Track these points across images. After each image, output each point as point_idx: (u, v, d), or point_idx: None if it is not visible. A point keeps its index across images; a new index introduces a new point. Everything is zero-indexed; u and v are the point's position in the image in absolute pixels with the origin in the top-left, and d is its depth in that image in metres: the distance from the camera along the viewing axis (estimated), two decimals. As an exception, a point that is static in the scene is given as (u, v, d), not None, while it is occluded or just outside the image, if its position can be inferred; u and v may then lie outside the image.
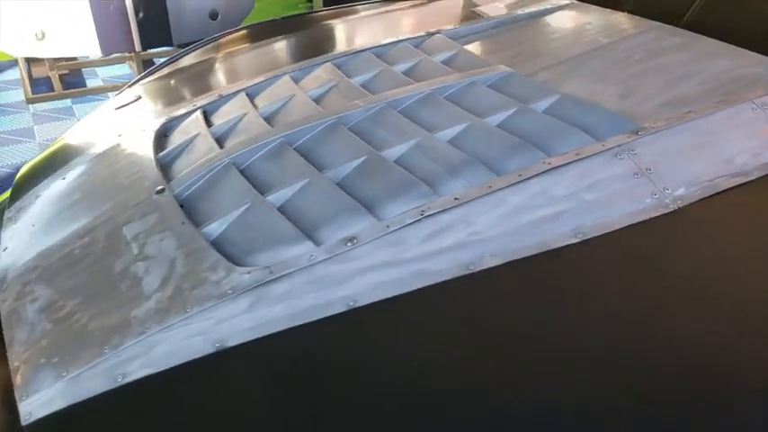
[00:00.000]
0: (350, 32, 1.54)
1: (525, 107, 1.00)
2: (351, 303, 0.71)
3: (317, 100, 1.08)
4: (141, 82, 1.56)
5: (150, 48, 3.82)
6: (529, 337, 0.68)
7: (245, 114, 1.05)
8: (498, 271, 0.74)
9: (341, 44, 1.41)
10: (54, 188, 1.03)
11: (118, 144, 1.08)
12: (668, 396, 0.62)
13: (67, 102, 3.60)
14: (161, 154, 1.00)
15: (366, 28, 1.57)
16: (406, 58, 1.21)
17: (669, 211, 0.82)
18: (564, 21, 1.42)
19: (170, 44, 3.88)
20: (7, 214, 1.00)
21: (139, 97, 1.37)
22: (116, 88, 3.74)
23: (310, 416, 0.62)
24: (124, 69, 4.14)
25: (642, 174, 0.86)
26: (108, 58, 4.16)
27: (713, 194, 0.85)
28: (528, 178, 0.83)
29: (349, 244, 0.75)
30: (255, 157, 0.93)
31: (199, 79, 1.39)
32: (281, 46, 1.48)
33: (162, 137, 1.07)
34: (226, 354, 0.67)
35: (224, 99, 1.15)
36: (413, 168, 0.87)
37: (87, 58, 4.17)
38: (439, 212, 0.78)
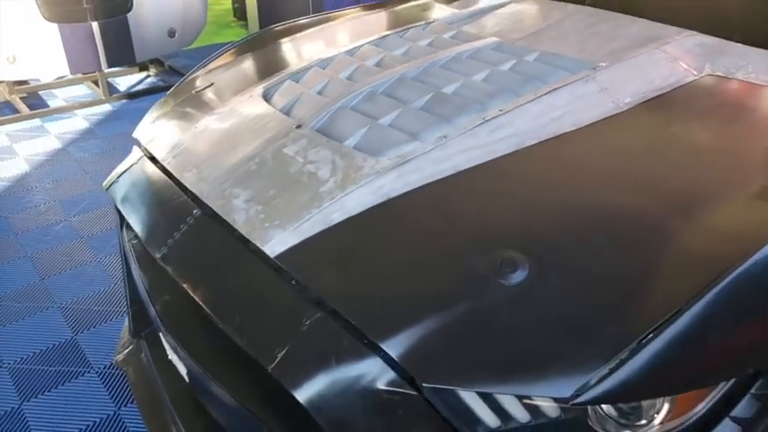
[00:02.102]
0: (362, 25, 2.00)
1: (521, 59, 1.51)
2: (454, 170, 1.17)
3: (377, 65, 1.54)
4: (195, 76, 1.91)
5: (115, 66, 4.08)
6: (543, 178, 1.17)
7: (329, 79, 1.50)
8: (531, 148, 1.23)
9: (364, 32, 1.87)
10: (200, 131, 1.42)
11: (235, 105, 1.49)
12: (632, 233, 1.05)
13: (37, 121, 3.80)
14: (279, 107, 1.42)
15: (372, 23, 2.04)
16: (424, 36, 1.70)
17: (622, 110, 1.35)
18: (520, 6, 1.97)
19: (133, 62, 4.16)
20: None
21: (212, 83, 1.76)
22: (83, 106, 3.98)
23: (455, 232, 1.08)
24: (83, 90, 4.35)
25: (603, 90, 1.39)
26: (64, 80, 4.35)
27: (646, 100, 1.39)
28: (540, 96, 1.34)
29: (443, 139, 1.22)
30: (355, 101, 1.38)
31: (261, 63, 1.80)
32: (315, 36, 1.92)
33: (266, 97, 1.49)
34: (391, 202, 1.11)
35: (300, 72, 1.58)
36: (465, 97, 1.35)
37: (38, 81, 4.34)
38: (493, 118, 1.27)
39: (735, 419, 0.93)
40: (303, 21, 2.15)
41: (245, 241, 1.14)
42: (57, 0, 3.60)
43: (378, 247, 1.07)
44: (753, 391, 0.94)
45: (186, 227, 1.24)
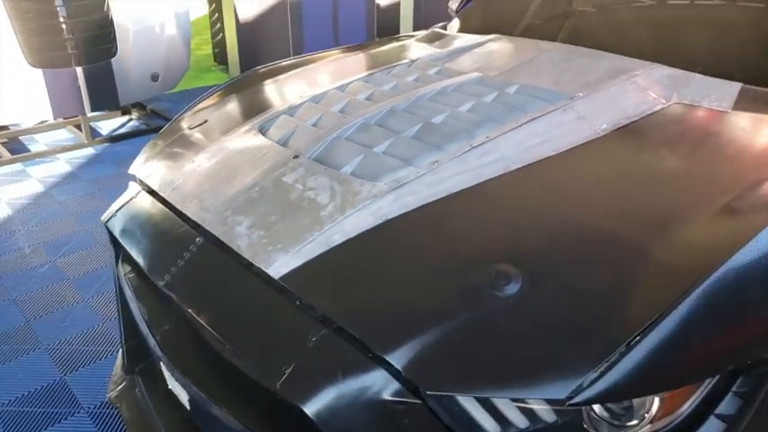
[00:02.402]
0: (348, 65, 2.10)
1: (502, 91, 1.60)
2: (446, 192, 1.24)
3: (368, 99, 1.62)
4: (187, 115, 1.97)
5: (98, 110, 4.13)
6: (529, 198, 1.25)
7: (323, 113, 1.57)
8: (516, 172, 1.31)
9: (351, 71, 1.96)
10: (198, 164, 1.48)
11: (232, 139, 1.55)
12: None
13: (18, 165, 3.82)
14: (275, 139, 1.49)
15: (357, 62, 2.13)
16: (410, 73, 1.80)
17: (599, 136, 1.44)
18: (497, 45, 2.08)
19: (117, 106, 4.23)
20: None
21: (206, 120, 1.82)
22: (65, 150, 4.00)
23: (447, 243, 1.14)
24: (64, 134, 4.38)
25: (581, 118, 1.48)
26: (45, 125, 4.38)
27: (620, 127, 1.48)
28: (522, 124, 1.42)
29: (435, 164, 1.29)
30: (350, 132, 1.45)
31: (252, 102, 1.86)
32: (302, 76, 2.01)
33: (261, 131, 1.56)
34: (389, 223, 1.17)
35: (293, 108, 1.65)
36: (453, 126, 1.43)
37: (18, 126, 4.36)
38: (480, 145, 1.35)
39: (719, 417, 0.99)
40: (288, 62, 2.24)
41: (248, 265, 1.18)
42: (41, 45, 3.66)
43: (378, 266, 1.13)
44: (734, 389, 1.00)
45: (189, 254, 1.28)
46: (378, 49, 2.28)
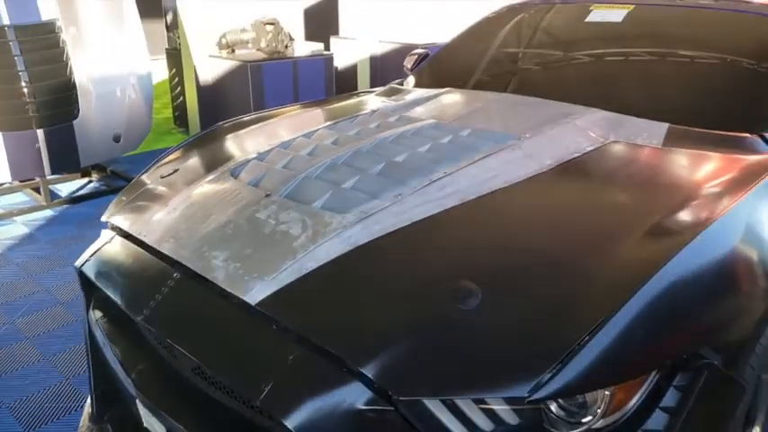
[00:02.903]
0: (312, 116, 2.23)
1: (457, 134, 1.75)
2: (410, 221, 1.34)
3: (334, 143, 1.74)
4: (157, 166, 2.03)
5: (59, 172, 4.14)
6: (484, 224, 1.37)
7: (292, 156, 1.68)
8: (472, 202, 1.43)
9: (315, 122, 2.08)
10: (172, 207, 1.55)
11: (204, 184, 1.63)
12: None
13: (-26, 228, 3.75)
14: (247, 181, 1.58)
15: (320, 114, 2.27)
16: (371, 120, 1.93)
17: (544, 170, 1.58)
18: (450, 97, 2.26)
19: (78, 167, 4.24)
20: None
21: (177, 170, 1.90)
22: (23, 213, 3.98)
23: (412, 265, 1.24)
24: (21, 197, 4.35)
25: (528, 156, 1.63)
26: (2, 188, 4.35)
27: (563, 162, 1.63)
28: (476, 161, 1.56)
29: (399, 197, 1.40)
30: (318, 171, 1.55)
31: (220, 152, 1.96)
32: (267, 127, 2.12)
33: (233, 175, 1.65)
34: (359, 249, 1.26)
35: (263, 154, 1.75)
36: (414, 164, 1.55)
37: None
38: (438, 179, 1.47)
39: (663, 409, 1.09)
40: (252, 116, 2.35)
41: (226, 295, 1.25)
42: (1, 109, 3.69)
43: (350, 287, 1.21)
44: (674, 383, 1.11)
45: (167, 289, 1.33)
46: (340, 103, 2.43)
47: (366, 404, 1.04)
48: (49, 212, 4.04)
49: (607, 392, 1.06)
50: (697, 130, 1.86)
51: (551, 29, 2.73)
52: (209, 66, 5.64)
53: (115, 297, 1.41)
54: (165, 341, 1.36)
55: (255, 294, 1.20)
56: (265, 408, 1.06)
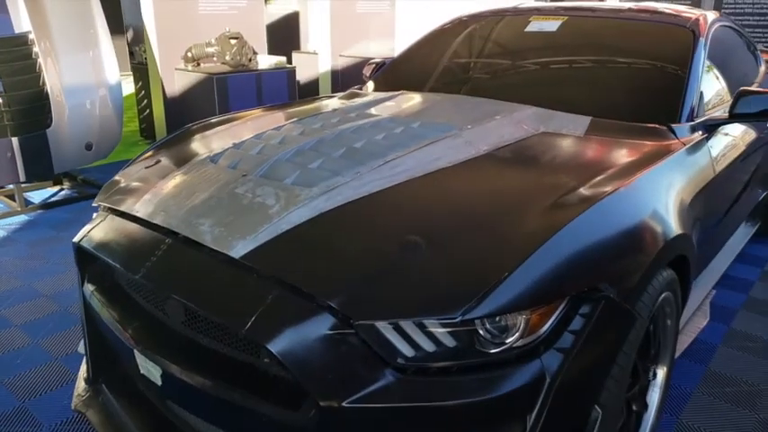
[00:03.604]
0: (278, 115, 2.48)
1: (408, 126, 2.03)
2: (368, 192, 1.61)
3: (301, 134, 2.00)
4: (138, 161, 2.25)
5: (33, 178, 4.28)
6: (428, 194, 1.65)
7: (264, 145, 1.93)
8: (419, 178, 1.70)
9: (281, 120, 2.34)
10: (160, 188, 1.78)
11: (187, 169, 1.87)
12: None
13: (-48, 233, 3.84)
14: (226, 165, 1.82)
15: (286, 114, 2.52)
16: (334, 116, 2.20)
17: (481, 154, 1.87)
18: (404, 98, 2.54)
19: (51, 174, 4.39)
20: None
21: (159, 161, 2.12)
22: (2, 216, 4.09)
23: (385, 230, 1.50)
24: (-4, 204, 4.43)
25: (468, 143, 1.92)
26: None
27: (498, 148, 1.93)
28: (423, 147, 1.84)
29: (358, 174, 1.67)
30: (288, 155, 1.81)
31: (196, 146, 2.19)
32: (237, 125, 2.36)
33: (212, 161, 1.89)
34: (325, 214, 1.52)
35: (238, 144, 2.00)
36: (371, 149, 1.82)
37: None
38: (392, 160, 1.74)
39: (570, 332, 1.37)
40: (219, 118, 2.58)
41: (213, 253, 1.49)
42: (-23, 118, 3.83)
43: (317, 242, 1.47)
44: (580, 312, 1.39)
45: (161, 251, 1.56)
46: (304, 105, 2.69)
47: (332, 329, 1.29)
48: (24, 217, 4.18)
49: (524, 317, 1.34)
50: (615, 121, 2.19)
51: (496, 38, 3.05)
52: (175, 79, 5.84)
53: (114, 262, 1.63)
54: (159, 296, 1.59)
55: (239, 250, 1.45)
56: (250, 336, 1.30)
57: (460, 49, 3.12)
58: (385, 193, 1.63)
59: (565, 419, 1.39)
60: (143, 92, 6.50)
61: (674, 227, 1.71)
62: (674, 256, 1.71)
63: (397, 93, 2.68)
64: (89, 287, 1.87)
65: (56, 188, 4.83)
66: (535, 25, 2.92)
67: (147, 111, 6.45)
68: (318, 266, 1.40)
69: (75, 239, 1.84)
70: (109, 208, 1.88)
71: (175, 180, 1.84)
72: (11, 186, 4.35)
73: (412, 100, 2.54)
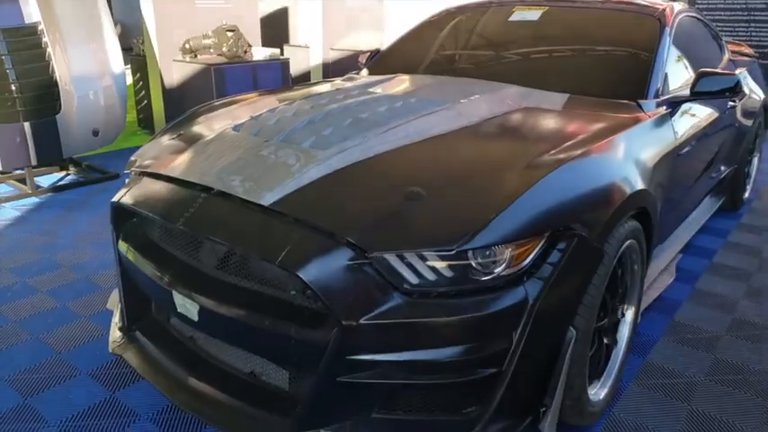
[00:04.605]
0: (286, 95, 2.73)
1: (407, 100, 2.29)
2: (375, 153, 1.87)
3: (312, 108, 2.26)
4: (157, 138, 2.47)
5: (43, 162, 4.49)
6: (426, 154, 1.91)
7: (280, 117, 2.18)
8: (418, 142, 1.97)
9: (288, 99, 2.59)
10: (190, 153, 2.02)
11: (212, 137, 2.12)
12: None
13: (-35, 216, 4.02)
14: (248, 132, 2.07)
15: (294, 92, 2.77)
16: (339, 93, 2.46)
17: (472, 124, 2.14)
18: (401, 78, 2.81)
19: (60, 158, 4.60)
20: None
21: (181, 134, 2.36)
22: (11, 200, 4.30)
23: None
24: (5, 188, 4.64)
25: (460, 114, 2.18)
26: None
27: (486, 119, 2.19)
28: (422, 116, 2.11)
29: (365, 138, 1.93)
30: (303, 125, 2.07)
31: (213, 121, 2.42)
32: (247, 104, 2.60)
33: (234, 130, 2.14)
34: (339, 170, 1.78)
35: (255, 117, 2.25)
36: (375, 118, 2.08)
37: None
38: (394, 128, 2.00)
39: (549, 264, 1.64)
40: (223, 100, 2.76)
41: (245, 203, 1.74)
42: (-9, 104, 4.03)
43: (334, 192, 1.73)
44: (556, 247, 1.66)
45: (198, 203, 1.81)
46: (308, 87, 2.94)
47: (350, 260, 1.55)
48: (35, 200, 4.38)
49: (510, 251, 1.60)
50: (590, 98, 2.47)
51: (482, 26, 3.32)
52: (173, 70, 6.05)
53: (155, 215, 1.88)
54: (195, 244, 1.84)
55: (268, 199, 1.70)
56: (283, 265, 1.56)
57: (450, 37, 3.39)
58: (390, 153, 1.89)
59: (544, 337, 1.66)
60: (140, 83, 6.69)
61: (637, 183, 1.99)
62: (636, 207, 1.99)
63: (392, 75, 2.94)
64: (123, 245, 2.11)
65: (62, 173, 5.02)
66: (518, 15, 3.20)
67: (145, 102, 6.64)
68: (337, 210, 1.66)
69: (114, 199, 2.08)
70: (142, 172, 2.12)
71: (203, 146, 2.09)
72: (19, 171, 4.55)
73: (408, 80, 2.81)
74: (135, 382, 2.28)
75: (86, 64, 4.59)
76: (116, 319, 2.30)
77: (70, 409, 2.15)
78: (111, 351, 2.19)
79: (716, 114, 3.15)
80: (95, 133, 4.69)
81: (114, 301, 2.48)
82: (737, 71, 3.69)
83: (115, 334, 2.25)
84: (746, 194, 4.35)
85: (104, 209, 4.19)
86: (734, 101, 3.47)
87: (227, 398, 1.82)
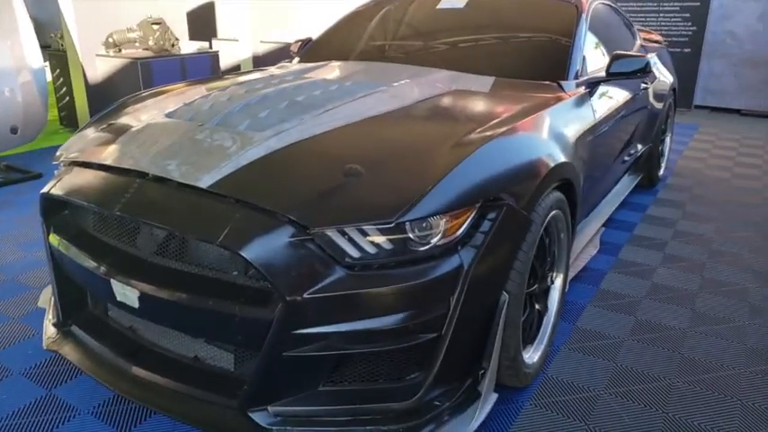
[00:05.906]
0: (218, 83, 2.72)
1: (342, 84, 2.34)
2: (312, 134, 1.91)
3: (247, 92, 2.26)
4: (86, 128, 2.41)
5: (-43, 160, 4.24)
6: (361, 134, 1.97)
7: (214, 102, 2.18)
8: (353, 123, 2.02)
9: (222, 85, 2.58)
10: (123, 139, 2.00)
11: (146, 124, 2.09)
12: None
13: None
14: (183, 118, 2.06)
15: (227, 80, 2.76)
16: (274, 78, 2.47)
17: (405, 106, 2.21)
18: (334, 65, 2.85)
19: (-24, 157, 4.34)
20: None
21: (112, 123, 2.31)
22: None
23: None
24: None
25: (394, 97, 2.25)
26: None
27: (418, 101, 2.27)
28: (357, 99, 2.16)
29: (302, 120, 1.96)
30: (238, 108, 2.07)
31: (143, 110, 2.38)
32: (179, 92, 2.57)
33: (169, 117, 2.12)
34: (277, 151, 1.80)
35: (188, 103, 2.24)
36: (311, 101, 2.12)
37: None
38: (330, 110, 2.05)
39: (481, 232, 1.73)
40: (153, 90, 2.72)
41: (182, 186, 1.74)
42: None
43: (273, 171, 1.75)
44: (487, 217, 1.76)
45: (133, 189, 1.80)
46: (240, 75, 2.93)
47: (292, 237, 1.59)
48: (-50, 202, 4.14)
49: (444, 221, 1.68)
50: (515, 80, 2.59)
51: (411, 14, 3.41)
52: (96, 65, 5.84)
53: (89, 203, 1.84)
54: (132, 231, 1.82)
55: (206, 182, 1.71)
56: (224, 245, 1.57)
57: (380, 25, 3.46)
58: (327, 134, 1.93)
59: (479, 301, 1.75)
60: (61, 80, 6.41)
61: (560, 156, 2.12)
62: (560, 178, 2.12)
63: (326, 62, 2.98)
64: (55, 238, 2.06)
65: (-21, 175, 4.77)
66: (446, 2, 3.29)
67: (67, 98, 6.38)
68: (277, 189, 1.69)
69: (44, 191, 2.02)
70: (72, 162, 2.07)
71: (135, 134, 2.06)
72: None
73: (341, 66, 2.85)
74: (73, 378, 2.22)
75: (1, 60, 4.37)
76: (49, 315, 2.24)
77: (2, 410, 2.08)
78: (45, 348, 2.13)
79: (630, 96, 3.36)
80: (14, 131, 4.48)
81: (46, 299, 2.41)
82: (648, 56, 3.94)
83: (49, 330, 2.19)
84: (661, 172, 4.65)
85: (28, 209, 4.02)
86: (646, 83, 3.71)
87: (172, 383, 1.81)
